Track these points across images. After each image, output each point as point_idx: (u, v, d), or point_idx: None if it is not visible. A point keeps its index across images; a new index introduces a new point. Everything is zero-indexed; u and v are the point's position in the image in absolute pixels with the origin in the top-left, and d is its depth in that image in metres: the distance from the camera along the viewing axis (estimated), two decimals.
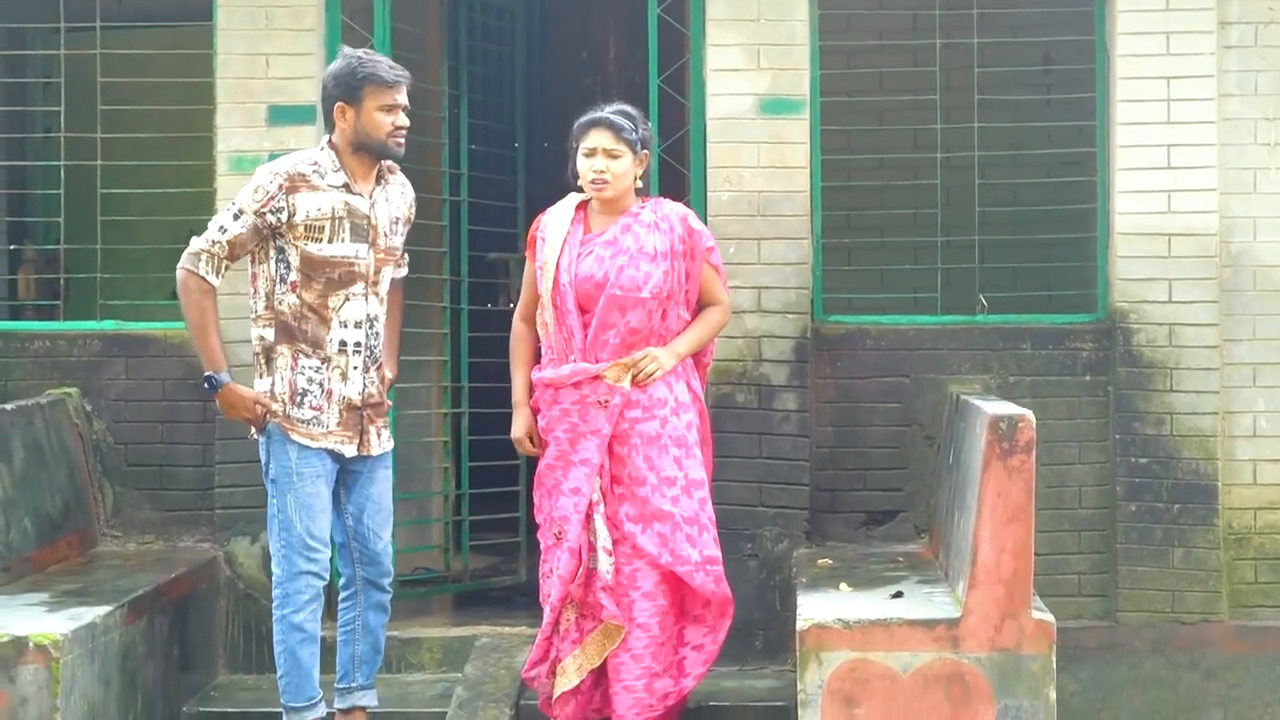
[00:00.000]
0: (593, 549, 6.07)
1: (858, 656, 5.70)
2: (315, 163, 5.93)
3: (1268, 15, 7.22)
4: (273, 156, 7.12)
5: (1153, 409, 7.15)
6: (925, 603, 5.96)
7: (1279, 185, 7.21)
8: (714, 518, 6.18)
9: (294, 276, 5.88)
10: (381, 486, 6.14)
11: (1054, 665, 5.68)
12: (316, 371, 5.92)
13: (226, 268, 5.89)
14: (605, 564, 6.07)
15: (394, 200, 6.11)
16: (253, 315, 5.96)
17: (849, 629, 5.72)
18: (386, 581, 6.18)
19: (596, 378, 6.06)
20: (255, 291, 5.94)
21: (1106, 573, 7.19)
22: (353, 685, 6.18)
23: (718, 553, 6.14)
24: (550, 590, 6.15)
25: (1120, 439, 7.15)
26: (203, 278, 5.83)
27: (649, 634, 6.07)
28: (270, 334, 5.92)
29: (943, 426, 7.10)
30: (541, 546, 6.25)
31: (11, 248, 8.28)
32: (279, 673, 5.97)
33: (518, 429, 6.28)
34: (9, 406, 6.86)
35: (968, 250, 7.43)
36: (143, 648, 6.37)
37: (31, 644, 5.64)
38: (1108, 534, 7.18)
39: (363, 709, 6.21)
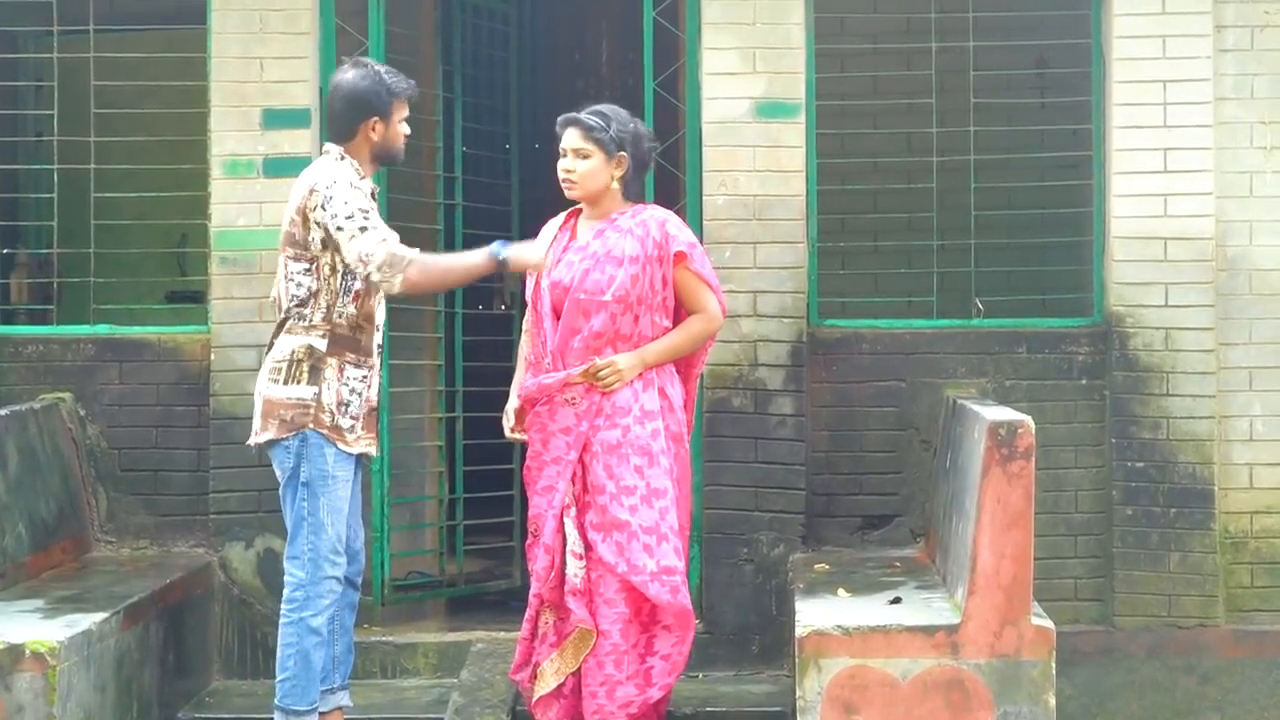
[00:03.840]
0: (564, 551, 6.07)
1: (857, 663, 5.70)
2: (354, 172, 5.97)
3: (1264, 19, 7.22)
4: (267, 160, 7.15)
5: (1149, 413, 7.14)
6: (924, 609, 5.96)
7: (1275, 189, 7.21)
8: (678, 526, 6.06)
9: (359, 285, 5.89)
10: (357, 486, 6.16)
11: (1053, 671, 5.67)
12: (360, 381, 5.96)
13: None
14: (574, 568, 6.05)
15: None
16: (305, 324, 5.89)
17: (848, 635, 5.71)
18: (360, 580, 6.22)
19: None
20: (315, 303, 5.89)
21: (1103, 577, 7.18)
22: (334, 686, 6.16)
23: (677, 563, 6.00)
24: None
25: (1116, 443, 7.14)
26: (412, 258, 5.82)
27: (610, 641, 6.01)
28: (323, 344, 5.90)
29: (939, 431, 7.09)
30: None
31: (4, 252, 8.24)
32: (284, 675, 5.91)
33: (507, 407, 6.30)
34: (2, 412, 6.82)
35: (963, 254, 7.42)
36: (138, 654, 6.35)
37: (28, 651, 5.62)
38: (1104, 538, 7.18)
39: (341, 709, 6.20)
